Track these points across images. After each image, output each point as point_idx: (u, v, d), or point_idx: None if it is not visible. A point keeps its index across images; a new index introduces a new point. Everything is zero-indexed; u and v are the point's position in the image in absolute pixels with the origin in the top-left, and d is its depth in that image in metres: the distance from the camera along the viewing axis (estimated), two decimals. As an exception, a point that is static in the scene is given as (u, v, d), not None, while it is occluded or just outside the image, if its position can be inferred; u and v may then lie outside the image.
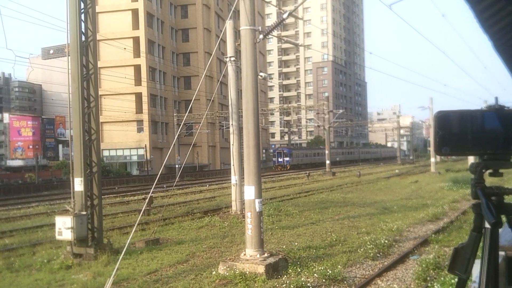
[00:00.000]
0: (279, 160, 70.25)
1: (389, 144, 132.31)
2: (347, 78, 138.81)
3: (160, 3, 65.52)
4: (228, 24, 17.25)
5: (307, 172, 47.55)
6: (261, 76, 15.11)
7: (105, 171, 47.90)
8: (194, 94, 13.92)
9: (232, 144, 18.81)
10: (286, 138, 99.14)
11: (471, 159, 30.02)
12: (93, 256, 11.65)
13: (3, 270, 11.08)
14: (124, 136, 60.84)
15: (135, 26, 60.88)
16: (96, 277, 10.04)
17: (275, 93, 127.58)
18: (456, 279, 1.53)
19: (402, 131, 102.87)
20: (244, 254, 10.34)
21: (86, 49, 12.41)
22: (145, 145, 59.29)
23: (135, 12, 60.93)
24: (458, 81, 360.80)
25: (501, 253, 2.49)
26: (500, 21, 3.99)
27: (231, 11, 12.47)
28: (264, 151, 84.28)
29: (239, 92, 15.48)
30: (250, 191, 10.33)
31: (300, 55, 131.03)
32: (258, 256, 10.10)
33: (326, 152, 52.16)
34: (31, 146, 75.71)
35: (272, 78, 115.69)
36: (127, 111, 58.68)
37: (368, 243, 12.16)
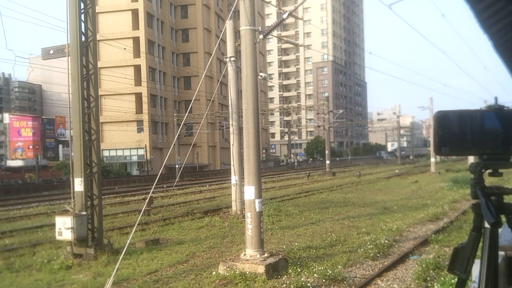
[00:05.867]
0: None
1: (389, 144, 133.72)
2: (347, 78, 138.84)
3: (160, 3, 65.51)
4: (228, 24, 17.25)
5: (307, 172, 47.62)
6: (261, 76, 15.09)
7: (105, 171, 47.89)
8: (194, 94, 13.91)
9: (232, 144, 18.80)
10: (286, 138, 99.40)
11: (471, 159, 30.03)
12: (93, 256, 11.65)
13: (3, 270, 11.07)
14: (124, 136, 60.83)
15: (135, 26, 60.87)
16: (96, 277, 10.04)
17: (275, 93, 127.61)
18: (456, 279, 1.53)
19: (402, 131, 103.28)
20: (244, 254, 10.34)
21: (86, 49, 12.40)
22: (145, 145, 59.29)
23: (135, 12, 60.93)
24: (458, 81, 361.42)
25: (501, 253, 2.49)
26: (500, 21, 3.98)
27: (231, 11, 12.46)
28: (264, 151, 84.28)
29: (239, 92, 15.49)
30: (250, 191, 10.32)
31: (300, 55, 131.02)
32: (258, 256, 10.10)
33: (327, 152, 52.18)
34: (31, 146, 75.64)
35: (272, 78, 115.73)
36: (127, 111, 58.67)
37: (368, 243, 12.15)
